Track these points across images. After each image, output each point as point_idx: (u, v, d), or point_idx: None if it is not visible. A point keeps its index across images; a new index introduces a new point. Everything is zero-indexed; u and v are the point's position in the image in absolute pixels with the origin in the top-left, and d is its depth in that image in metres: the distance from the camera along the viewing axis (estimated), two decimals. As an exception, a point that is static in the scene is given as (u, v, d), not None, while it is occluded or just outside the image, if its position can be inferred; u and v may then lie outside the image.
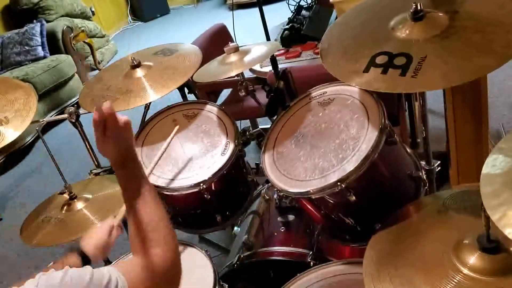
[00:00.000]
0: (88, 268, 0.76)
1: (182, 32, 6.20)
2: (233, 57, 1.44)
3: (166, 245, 0.85)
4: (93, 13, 6.13)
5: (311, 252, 1.37)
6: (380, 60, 1.05)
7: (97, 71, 5.45)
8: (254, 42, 1.55)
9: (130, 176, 0.90)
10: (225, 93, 2.73)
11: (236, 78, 1.48)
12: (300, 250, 1.41)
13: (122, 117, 0.89)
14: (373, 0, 1.30)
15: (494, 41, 0.96)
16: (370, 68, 1.04)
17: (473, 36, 0.99)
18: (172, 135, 1.41)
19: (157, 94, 1.49)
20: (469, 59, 0.96)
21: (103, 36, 5.97)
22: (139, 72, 1.59)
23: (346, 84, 1.29)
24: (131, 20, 7.55)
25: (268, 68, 1.98)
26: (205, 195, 1.39)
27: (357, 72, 1.06)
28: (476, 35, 0.99)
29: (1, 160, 3.78)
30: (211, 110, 1.58)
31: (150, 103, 1.66)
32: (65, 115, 1.65)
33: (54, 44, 4.73)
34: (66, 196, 1.49)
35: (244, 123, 2.38)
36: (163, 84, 1.52)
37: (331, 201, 1.22)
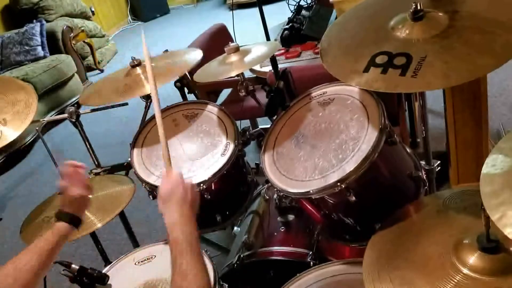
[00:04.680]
0: None
1: (182, 32, 6.21)
2: (233, 57, 1.44)
3: None
4: (93, 13, 6.13)
5: (311, 252, 1.37)
6: (380, 60, 1.04)
7: (96, 71, 5.47)
8: (254, 42, 1.55)
9: (175, 238, 0.93)
10: (225, 93, 2.73)
11: (236, 78, 1.48)
12: (300, 250, 1.41)
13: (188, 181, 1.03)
14: (373, 0, 1.30)
15: (494, 41, 0.96)
16: (370, 68, 1.04)
17: (473, 36, 0.99)
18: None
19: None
20: (469, 59, 0.96)
21: (103, 36, 5.98)
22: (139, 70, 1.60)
23: (346, 84, 1.29)
24: (131, 20, 7.55)
25: (268, 68, 1.98)
26: (205, 195, 1.39)
27: (357, 72, 1.05)
28: (476, 35, 0.99)
29: (1, 160, 3.78)
30: (211, 110, 1.58)
31: (150, 103, 1.66)
32: (65, 115, 1.65)
33: (54, 44, 4.74)
34: (66, 196, 1.49)
35: (244, 123, 2.38)
36: (163, 75, 1.53)
37: (331, 201, 1.22)
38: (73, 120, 1.65)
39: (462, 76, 0.94)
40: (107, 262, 1.66)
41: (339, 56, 1.15)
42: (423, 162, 1.36)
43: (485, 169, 0.76)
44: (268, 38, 1.76)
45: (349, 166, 1.11)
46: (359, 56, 1.08)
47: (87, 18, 5.84)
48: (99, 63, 5.51)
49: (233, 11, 6.13)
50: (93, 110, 1.70)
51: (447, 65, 0.96)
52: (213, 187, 1.42)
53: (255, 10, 1.73)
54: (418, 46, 1.02)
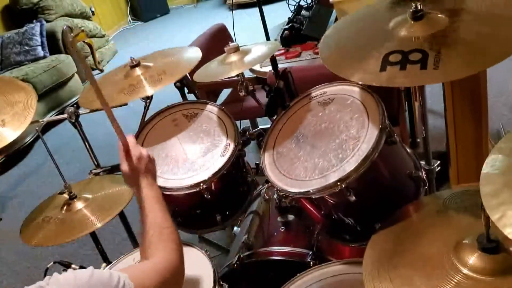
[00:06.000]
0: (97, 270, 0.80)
1: (182, 32, 6.21)
2: (233, 57, 1.44)
3: (170, 250, 0.98)
4: (93, 13, 6.14)
5: (311, 252, 1.37)
6: (394, 58, 1.00)
7: (96, 71, 5.47)
8: (254, 42, 1.55)
9: (145, 197, 1.08)
10: (225, 93, 2.73)
11: (236, 78, 1.48)
12: (300, 250, 1.41)
13: (145, 152, 1.13)
14: (368, 8, 1.27)
15: (501, 31, 0.95)
16: (386, 67, 1.00)
17: (479, 27, 0.98)
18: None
19: (155, 88, 1.50)
20: (486, 45, 0.93)
21: (103, 36, 5.98)
22: (138, 71, 1.59)
23: (346, 84, 1.29)
24: (130, 20, 7.55)
25: (268, 68, 1.98)
26: (205, 195, 1.39)
27: (374, 73, 1.01)
28: (480, 25, 0.98)
29: (1, 160, 3.78)
30: (211, 110, 1.58)
31: (150, 103, 1.66)
32: (65, 115, 1.65)
33: (54, 44, 4.74)
34: (66, 196, 1.49)
35: (244, 123, 2.38)
36: (161, 78, 1.52)
37: (331, 201, 1.22)
38: (73, 121, 1.65)
39: (486, 60, 0.91)
40: (107, 262, 1.66)
41: (345, 65, 1.10)
42: (423, 162, 1.36)
43: (485, 169, 0.76)
44: (268, 38, 1.76)
45: (349, 165, 1.11)
46: (371, 59, 1.03)
47: (87, 18, 5.84)
48: (99, 63, 5.52)
49: (233, 11, 6.13)
50: (92, 111, 1.70)
51: (467, 53, 0.93)
52: (213, 187, 1.42)
53: (255, 10, 1.73)
54: (429, 42, 0.99)
